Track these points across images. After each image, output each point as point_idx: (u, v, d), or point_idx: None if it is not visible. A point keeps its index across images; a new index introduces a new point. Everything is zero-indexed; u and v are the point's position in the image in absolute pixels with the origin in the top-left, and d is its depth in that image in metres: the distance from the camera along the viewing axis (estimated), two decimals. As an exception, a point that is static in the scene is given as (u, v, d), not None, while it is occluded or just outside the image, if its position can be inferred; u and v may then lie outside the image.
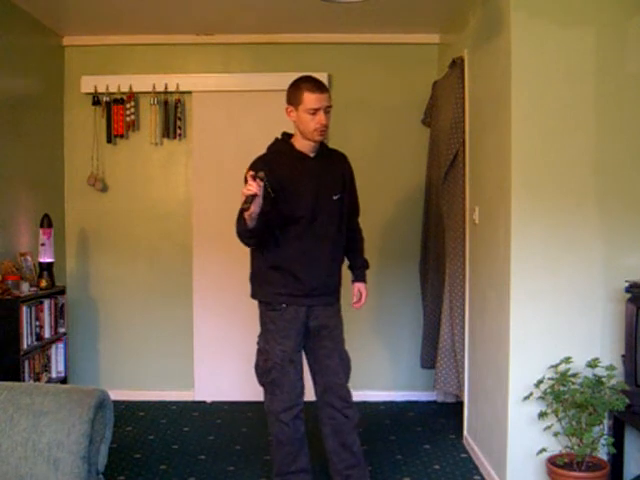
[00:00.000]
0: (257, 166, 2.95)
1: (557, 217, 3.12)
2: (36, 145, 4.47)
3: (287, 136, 3.13)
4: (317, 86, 2.97)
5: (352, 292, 3.32)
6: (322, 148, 3.12)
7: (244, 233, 2.91)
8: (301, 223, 3.01)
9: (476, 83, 3.78)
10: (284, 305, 3.04)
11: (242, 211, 2.77)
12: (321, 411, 3.16)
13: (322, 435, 3.18)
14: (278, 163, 3.00)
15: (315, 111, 2.95)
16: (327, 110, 2.98)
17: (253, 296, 3.19)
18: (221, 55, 4.88)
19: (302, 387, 3.11)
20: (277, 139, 3.15)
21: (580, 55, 3.09)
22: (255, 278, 3.17)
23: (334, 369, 3.12)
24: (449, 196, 4.06)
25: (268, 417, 3.13)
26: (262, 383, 3.12)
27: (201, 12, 4.29)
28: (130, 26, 4.62)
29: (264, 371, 3.07)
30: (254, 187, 2.68)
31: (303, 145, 3.05)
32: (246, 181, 2.78)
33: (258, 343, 3.14)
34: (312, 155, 3.07)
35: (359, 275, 3.33)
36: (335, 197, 3.10)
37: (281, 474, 3.13)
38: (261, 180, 2.71)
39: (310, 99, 2.95)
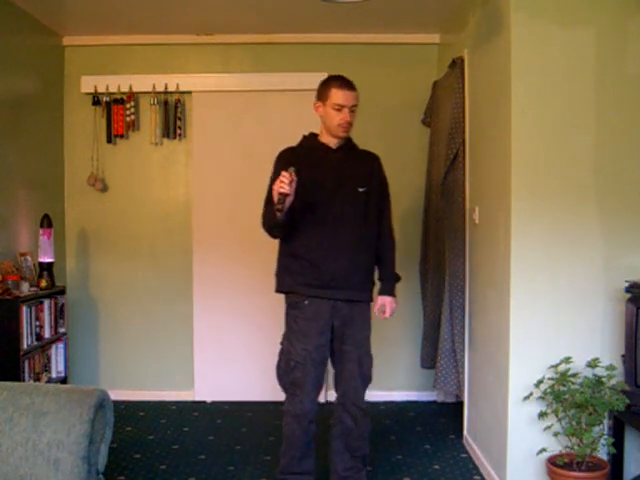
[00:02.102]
0: (281, 159, 3.09)
1: (557, 217, 3.12)
2: (36, 145, 4.47)
3: (312, 133, 3.20)
4: (345, 83, 3.05)
5: (375, 303, 3.24)
6: (349, 144, 3.18)
7: (274, 226, 2.96)
8: (320, 209, 3.01)
9: (476, 83, 3.78)
10: (306, 302, 3.01)
11: (275, 210, 2.83)
12: (335, 411, 3.18)
13: (331, 433, 3.21)
14: (301, 154, 3.10)
15: (340, 107, 3.02)
16: (352, 109, 3.05)
17: (276, 289, 3.17)
18: (221, 55, 4.88)
19: (320, 389, 3.11)
20: (304, 135, 3.22)
21: (580, 55, 3.09)
22: (279, 269, 3.16)
23: (352, 374, 3.11)
24: (449, 196, 4.06)
25: (284, 416, 3.11)
26: (283, 384, 3.09)
27: (201, 12, 4.29)
28: (130, 26, 4.62)
29: (285, 371, 3.05)
30: (287, 187, 2.74)
31: (327, 139, 3.12)
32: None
33: (281, 343, 3.12)
34: (334, 147, 3.13)
35: (384, 288, 3.24)
36: (361, 189, 3.09)
37: (285, 472, 3.15)
38: (295, 174, 2.77)
39: (337, 95, 3.02)
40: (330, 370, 3.24)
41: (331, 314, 3.05)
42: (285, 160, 3.03)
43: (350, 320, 3.08)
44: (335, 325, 3.07)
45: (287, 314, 3.10)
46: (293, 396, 3.05)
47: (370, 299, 3.19)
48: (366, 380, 3.16)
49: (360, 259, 3.09)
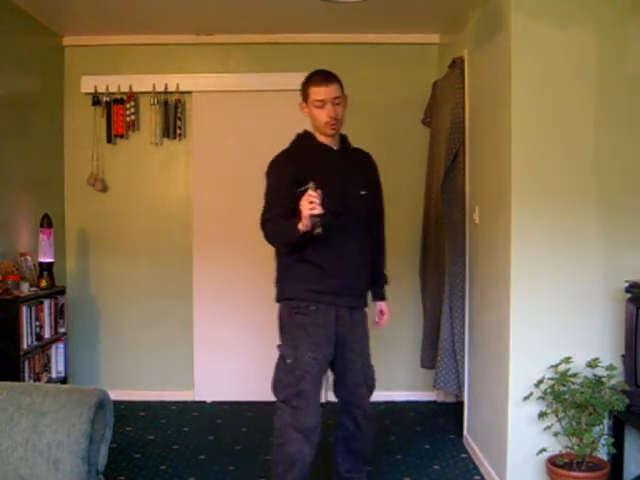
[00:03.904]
0: (283, 162, 2.89)
1: (557, 217, 3.12)
2: (36, 145, 4.47)
3: (308, 131, 3.02)
4: (322, 77, 2.88)
5: (375, 310, 3.16)
6: (345, 143, 3.03)
7: (294, 243, 2.73)
8: (328, 215, 2.73)
9: (476, 83, 3.78)
10: (313, 307, 2.83)
11: (313, 234, 2.62)
12: (338, 418, 3.05)
13: (332, 438, 3.08)
14: (304, 156, 2.90)
15: (322, 103, 2.85)
16: (336, 102, 2.87)
17: (279, 299, 2.94)
18: (221, 55, 4.88)
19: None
20: (299, 134, 3.03)
21: (580, 55, 3.09)
22: (280, 275, 2.95)
23: (356, 381, 2.98)
24: (449, 196, 4.06)
25: (284, 432, 2.81)
26: (286, 397, 2.81)
27: (201, 12, 4.29)
28: (130, 26, 4.62)
29: (289, 383, 2.80)
30: (320, 208, 2.54)
31: (324, 138, 2.95)
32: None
33: (282, 352, 2.87)
34: (336, 148, 2.97)
35: (380, 293, 3.17)
36: (362, 193, 2.95)
37: None
38: (316, 190, 2.56)
39: (315, 92, 2.87)
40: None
41: (335, 321, 2.89)
42: (287, 167, 2.86)
43: (352, 326, 2.96)
44: (338, 332, 2.91)
45: (289, 320, 2.87)
46: (296, 409, 2.78)
47: (366, 304, 3.08)
48: (370, 389, 3.06)
49: (364, 265, 2.98)
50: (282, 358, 2.86)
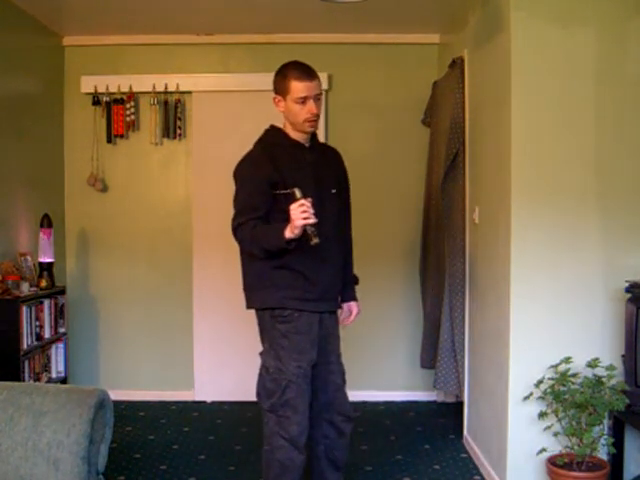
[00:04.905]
0: (257, 162, 2.76)
1: (557, 217, 3.12)
2: (36, 145, 4.47)
3: (276, 128, 2.87)
4: (305, 73, 2.72)
5: (342, 310, 3.01)
6: (315, 139, 2.89)
7: (276, 250, 2.61)
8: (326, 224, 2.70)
9: (476, 83, 3.78)
10: (296, 315, 2.71)
11: (310, 244, 2.49)
12: (315, 430, 2.85)
13: (311, 454, 2.88)
14: (278, 155, 2.75)
15: (304, 100, 2.69)
16: (317, 98, 2.72)
17: (251, 305, 2.84)
18: (221, 55, 4.88)
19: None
20: (267, 130, 2.88)
21: (580, 55, 3.09)
22: (256, 282, 2.80)
23: (338, 385, 2.89)
24: (449, 196, 4.06)
25: (273, 440, 2.72)
26: (271, 406, 2.72)
27: (201, 12, 4.29)
28: (130, 26, 4.62)
29: (273, 392, 2.70)
30: (312, 215, 2.45)
31: (297, 135, 2.80)
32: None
33: (264, 361, 2.77)
34: (307, 145, 2.82)
35: (351, 293, 3.03)
36: (333, 191, 2.84)
37: None
38: (305, 198, 2.47)
39: (298, 88, 2.69)
40: None
41: (318, 325, 2.78)
42: (262, 168, 2.72)
43: (332, 329, 2.87)
44: (321, 336, 2.80)
45: (270, 328, 2.75)
46: (283, 418, 2.69)
47: (340, 306, 2.99)
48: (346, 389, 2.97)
49: (340, 267, 2.88)
50: (265, 367, 2.77)
